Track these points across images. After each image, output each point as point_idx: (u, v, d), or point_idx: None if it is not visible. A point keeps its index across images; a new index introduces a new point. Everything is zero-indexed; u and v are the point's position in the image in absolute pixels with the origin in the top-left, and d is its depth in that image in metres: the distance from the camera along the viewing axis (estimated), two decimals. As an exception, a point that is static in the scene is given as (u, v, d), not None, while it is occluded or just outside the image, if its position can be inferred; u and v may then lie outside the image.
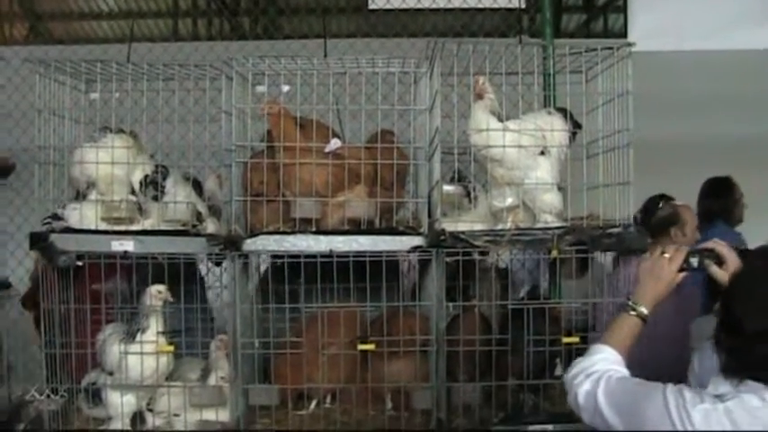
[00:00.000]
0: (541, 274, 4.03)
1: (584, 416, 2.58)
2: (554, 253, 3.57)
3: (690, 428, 2.29)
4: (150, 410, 3.70)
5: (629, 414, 2.45)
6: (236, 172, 3.70)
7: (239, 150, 3.70)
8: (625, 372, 2.60)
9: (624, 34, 4.43)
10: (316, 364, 3.62)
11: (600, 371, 2.58)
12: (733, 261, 2.70)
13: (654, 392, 2.41)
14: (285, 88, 3.72)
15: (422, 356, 3.61)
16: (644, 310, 2.69)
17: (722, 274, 2.69)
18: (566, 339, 3.51)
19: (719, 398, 2.33)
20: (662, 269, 2.73)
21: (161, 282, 3.63)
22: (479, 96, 3.56)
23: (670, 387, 2.40)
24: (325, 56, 3.86)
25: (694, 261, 2.74)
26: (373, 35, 5.90)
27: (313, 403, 3.74)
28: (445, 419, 3.56)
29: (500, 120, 3.55)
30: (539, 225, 3.57)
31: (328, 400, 3.79)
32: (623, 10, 6.40)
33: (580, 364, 2.65)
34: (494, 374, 3.58)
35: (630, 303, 2.71)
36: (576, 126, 3.66)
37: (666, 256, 2.75)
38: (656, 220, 4.40)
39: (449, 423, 3.56)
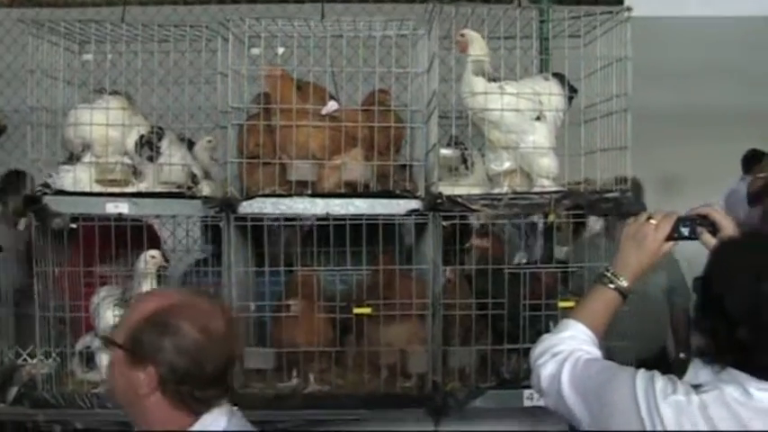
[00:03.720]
0: (537, 239, 4.03)
1: (548, 401, 2.33)
2: (551, 217, 3.58)
3: (658, 422, 2.03)
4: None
5: (594, 402, 2.18)
6: (231, 134, 3.67)
7: (235, 112, 3.67)
8: (596, 352, 2.32)
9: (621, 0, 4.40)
10: (311, 327, 3.61)
11: (566, 351, 2.30)
12: (729, 230, 2.34)
13: (623, 378, 2.14)
14: (281, 50, 3.69)
15: (418, 320, 3.61)
16: (624, 283, 2.38)
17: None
18: (562, 304, 3.50)
19: (697, 388, 2.06)
20: (646, 237, 2.39)
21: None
22: (463, 50, 3.54)
23: (641, 373, 2.14)
24: (322, 18, 3.83)
25: (685, 229, 2.39)
26: (370, -1, 5.86)
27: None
28: (441, 383, 3.57)
29: (492, 80, 3.53)
30: (535, 189, 3.57)
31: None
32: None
33: (546, 342, 2.36)
34: (489, 339, 3.60)
35: (608, 274, 2.40)
36: (573, 91, 3.65)
37: (653, 222, 2.41)
38: None
39: (444, 386, 3.57)
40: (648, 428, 2.04)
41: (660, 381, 2.09)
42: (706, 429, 2.00)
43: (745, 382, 2.02)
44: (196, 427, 2.09)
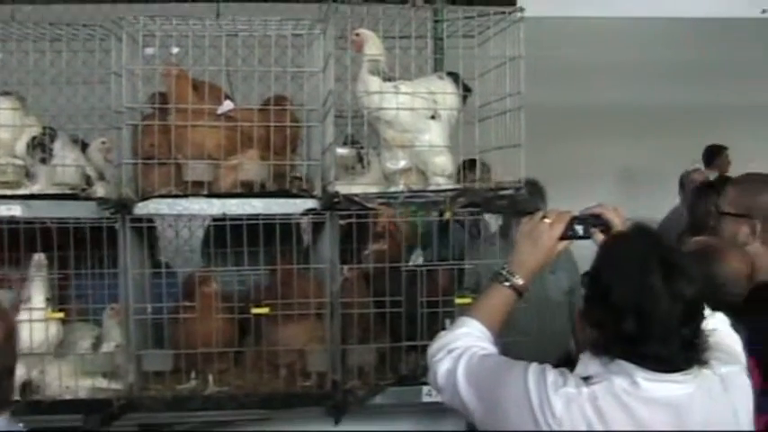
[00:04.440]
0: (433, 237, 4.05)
1: (444, 397, 2.37)
2: (447, 215, 3.61)
3: (549, 415, 2.08)
4: (40, 379, 3.63)
5: (488, 396, 2.23)
6: (126, 134, 3.62)
7: (129, 112, 3.63)
8: (491, 348, 2.36)
9: (509, 0, 4.44)
10: (209, 328, 3.59)
11: (462, 347, 2.33)
12: (622, 229, 2.41)
13: (515, 373, 2.19)
14: (175, 50, 3.66)
15: (316, 319, 3.61)
16: (519, 281, 2.42)
17: None
18: (458, 300, 3.54)
19: (587, 380, 2.12)
20: (541, 235, 2.44)
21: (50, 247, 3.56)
22: (358, 49, 3.56)
23: (533, 367, 2.19)
24: (218, 17, 3.81)
25: (579, 228, 2.45)
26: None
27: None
28: (340, 381, 3.58)
29: (387, 79, 3.55)
30: (431, 187, 3.59)
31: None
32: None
33: (442, 339, 2.41)
34: (388, 336, 3.62)
35: (504, 272, 2.44)
36: (467, 90, 3.69)
37: (547, 221, 2.46)
38: None
39: (343, 384, 3.58)
40: (540, 420, 2.09)
41: (551, 374, 2.15)
42: (595, 420, 2.06)
43: (633, 372, 2.08)
44: None
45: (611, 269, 2.18)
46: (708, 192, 4.77)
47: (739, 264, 2.99)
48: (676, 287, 2.06)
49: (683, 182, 7.35)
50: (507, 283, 2.43)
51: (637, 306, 2.06)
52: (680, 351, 2.09)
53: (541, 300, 4.53)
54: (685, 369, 2.10)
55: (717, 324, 2.41)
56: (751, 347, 2.50)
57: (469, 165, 3.79)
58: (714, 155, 8.68)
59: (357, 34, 3.58)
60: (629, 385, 2.07)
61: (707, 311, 2.35)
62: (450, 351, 2.34)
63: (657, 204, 7.17)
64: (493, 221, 4.57)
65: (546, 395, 2.10)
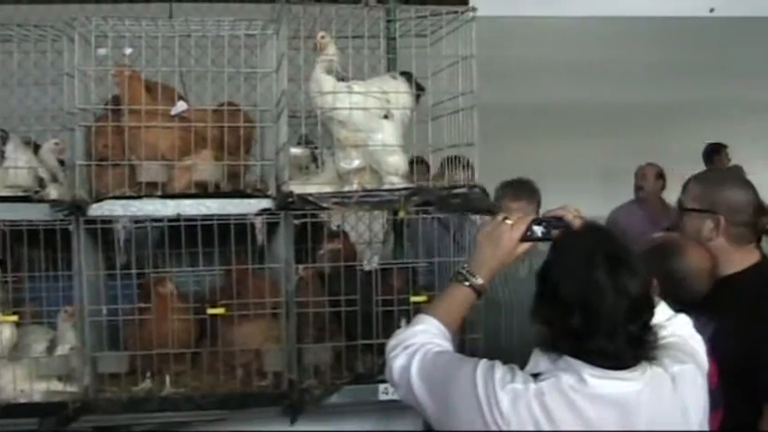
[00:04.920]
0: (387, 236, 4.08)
1: (399, 393, 2.40)
2: (401, 214, 3.64)
3: (497, 412, 2.09)
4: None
5: (439, 392, 2.25)
6: (79, 136, 3.61)
7: (82, 114, 3.61)
8: (447, 345, 2.39)
9: (460, 0, 4.47)
10: (165, 329, 3.58)
11: (417, 344, 2.36)
12: None
13: (465, 369, 2.21)
14: (128, 50, 3.65)
15: (272, 319, 3.62)
16: (479, 281, 2.45)
17: None
18: (414, 298, 3.57)
19: (536, 377, 2.14)
20: (502, 236, 2.45)
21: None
22: (321, 50, 3.57)
23: (482, 363, 2.21)
24: (170, 18, 3.80)
25: (539, 230, 2.45)
26: (219, -2, 5.82)
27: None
28: (296, 380, 3.59)
29: (340, 79, 3.57)
30: (385, 186, 3.61)
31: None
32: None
33: (399, 335, 2.44)
34: (344, 335, 3.63)
35: (464, 272, 2.47)
36: (420, 89, 3.71)
37: (509, 222, 2.48)
38: None
39: (300, 384, 3.59)
40: (488, 417, 2.11)
41: (500, 370, 2.17)
42: (542, 417, 2.07)
43: (581, 369, 2.09)
44: None
45: (559, 265, 2.21)
46: None
47: (701, 259, 3.00)
48: (621, 282, 2.08)
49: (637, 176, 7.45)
50: (467, 283, 2.45)
51: (583, 301, 2.09)
52: (627, 347, 2.10)
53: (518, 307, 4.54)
54: (633, 366, 2.12)
55: (680, 326, 2.45)
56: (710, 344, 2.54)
57: (449, 163, 3.83)
58: (714, 153, 8.87)
59: (323, 36, 3.58)
60: (577, 382, 2.09)
61: (669, 313, 2.47)
62: (406, 347, 2.37)
63: (610, 202, 7.27)
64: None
65: (493, 391, 2.11)
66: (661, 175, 7.35)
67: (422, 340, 2.37)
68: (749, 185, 3.19)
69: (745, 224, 3.10)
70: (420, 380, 2.29)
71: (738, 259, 3.07)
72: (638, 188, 7.33)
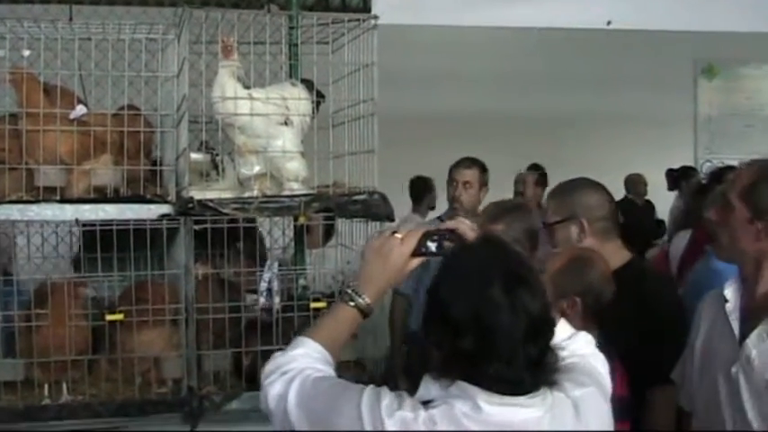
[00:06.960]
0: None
1: (275, 422, 2.16)
2: (301, 219, 3.66)
3: None
4: None
5: (320, 422, 2.03)
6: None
7: (-23, 117, 3.55)
8: (328, 371, 2.18)
9: (363, 8, 4.51)
10: (62, 336, 3.53)
11: (296, 369, 2.14)
12: None
13: (349, 396, 2.02)
14: (27, 53, 3.59)
15: (171, 325, 3.60)
16: (364, 301, 2.25)
17: None
18: (313, 305, 3.58)
19: (427, 404, 1.95)
20: (391, 251, 2.25)
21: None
22: (227, 55, 3.58)
23: (368, 390, 2.01)
24: (71, 20, 3.76)
25: (432, 244, 2.25)
26: (119, 2, 5.76)
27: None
28: (196, 387, 3.57)
29: (245, 86, 3.58)
30: (285, 193, 3.63)
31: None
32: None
33: (276, 360, 2.21)
34: (243, 341, 3.63)
35: (350, 291, 2.26)
36: (320, 96, 3.74)
37: (398, 236, 2.27)
38: None
39: (199, 390, 3.57)
40: None
41: (387, 397, 1.98)
42: None
43: (476, 395, 1.92)
44: None
45: (449, 282, 2.00)
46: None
47: (604, 264, 3.01)
48: (519, 300, 1.91)
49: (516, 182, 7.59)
50: (352, 303, 2.25)
51: (476, 320, 1.90)
52: (525, 371, 1.93)
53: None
54: (532, 391, 1.94)
55: (582, 345, 2.26)
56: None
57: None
58: (683, 177, 9.04)
59: (230, 41, 3.58)
60: (471, 409, 1.90)
61: (570, 330, 2.29)
62: (283, 373, 2.15)
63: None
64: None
65: (380, 419, 1.92)
66: (541, 182, 7.49)
67: (301, 365, 2.15)
68: (598, 184, 3.41)
69: (605, 218, 3.31)
70: (297, 409, 2.07)
71: (610, 254, 3.17)
72: (517, 194, 7.38)
